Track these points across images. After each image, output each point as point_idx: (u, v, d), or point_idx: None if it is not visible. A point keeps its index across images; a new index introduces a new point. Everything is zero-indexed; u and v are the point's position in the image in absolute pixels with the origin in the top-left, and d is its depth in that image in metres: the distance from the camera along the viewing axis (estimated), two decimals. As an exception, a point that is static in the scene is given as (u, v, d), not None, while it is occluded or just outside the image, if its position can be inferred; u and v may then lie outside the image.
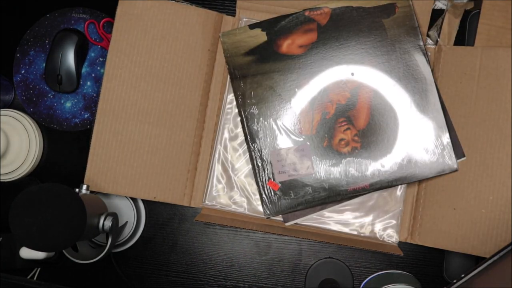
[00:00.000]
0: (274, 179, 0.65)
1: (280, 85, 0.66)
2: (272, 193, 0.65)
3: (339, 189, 0.64)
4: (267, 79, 0.66)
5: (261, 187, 0.66)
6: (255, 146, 0.66)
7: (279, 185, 0.65)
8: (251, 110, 0.66)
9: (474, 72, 0.63)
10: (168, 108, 0.67)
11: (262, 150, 0.66)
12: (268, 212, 0.66)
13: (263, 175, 0.65)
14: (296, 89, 0.65)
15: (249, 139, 0.66)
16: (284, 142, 0.65)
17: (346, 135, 0.64)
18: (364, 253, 0.71)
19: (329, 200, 0.65)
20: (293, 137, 0.65)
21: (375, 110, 0.64)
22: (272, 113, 0.66)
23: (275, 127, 0.66)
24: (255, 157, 0.66)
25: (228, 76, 0.68)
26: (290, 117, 0.66)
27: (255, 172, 0.66)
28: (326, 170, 0.65)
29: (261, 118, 0.66)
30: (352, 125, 0.64)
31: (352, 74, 0.65)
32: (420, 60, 0.64)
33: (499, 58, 0.62)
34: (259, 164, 0.66)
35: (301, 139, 0.65)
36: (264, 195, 0.65)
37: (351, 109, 0.65)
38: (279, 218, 0.68)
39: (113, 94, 0.65)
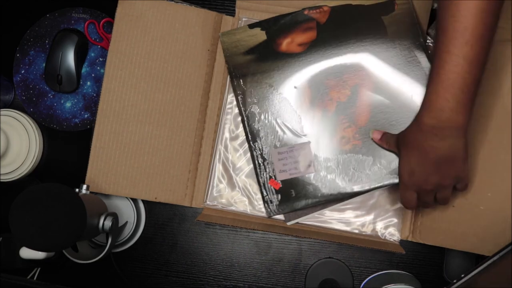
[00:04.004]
0: (275, 178, 0.65)
1: (280, 83, 0.66)
2: (273, 192, 0.65)
3: (340, 187, 0.64)
4: (267, 77, 0.66)
5: (262, 186, 0.65)
6: (256, 145, 0.66)
7: (280, 184, 0.65)
8: (251, 109, 0.66)
9: None
10: (169, 109, 0.66)
11: (263, 149, 0.65)
12: (269, 211, 0.65)
13: (264, 174, 0.65)
14: (296, 87, 0.65)
15: (250, 138, 0.66)
16: (285, 140, 0.65)
17: (347, 133, 0.64)
18: (364, 253, 0.71)
19: (331, 199, 0.65)
20: (294, 135, 0.65)
21: (375, 107, 0.64)
22: (272, 112, 0.66)
23: (276, 125, 0.66)
24: (256, 156, 0.66)
25: (228, 76, 0.68)
26: (290, 115, 0.65)
27: (256, 171, 0.66)
28: (327, 168, 0.64)
29: (261, 117, 0.66)
30: (353, 123, 0.64)
31: (352, 71, 0.65)
32: (420, 56, 0.64)
33: (497, 54, 0.61)
34: (260, 163, 0.65)
35: (302, 138, 0.65)
36: (265, 194, 0.65)
37: (351, 106, 0.65)
38: (281, 217, 0.68)
39: (113, 95, 0.65)
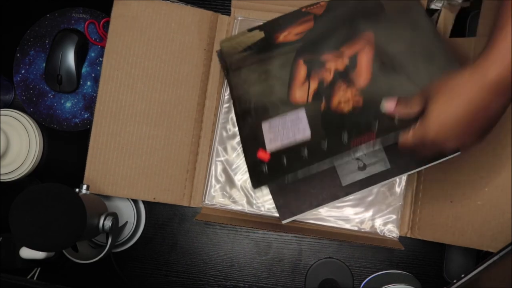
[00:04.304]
0: (265, 149, 0.58)
1: (276, 67, 0.62)
2: (262, 163, 0.57)
3: (339, 146, 0.55)
4: (263, 65, 0.63)
5: (249, 157, 0.58)
6: (246, 122, 0.60)
7: (270, 154, 0.57)
8: (244, 92, 0.62)
9: (468, 62, 0.62)
10: (166, 109, 0.66)
11: (253, 124, 0.60)
12: (257, 183, 0.57)
13: (252, 146, 0.58)
14: (292, 68, 0.62)
15: (240, 117, 0.61)
16: (277, 112, 0.60)
17: (346, 95, 0.58)
18: (364, 253, 0.71)
19: (328, 161, 0.56)
20: (287, 107, 0.60)
21: (376, 68, 0.59)
22: (265, 91, 0.61)
23: (269, 102, 0.61)
24: (245, 132, 0.60)
25: (224, 71, 0.67)
26: (284, 90, 0.61)
27: (244, 144, 0.60)
28: (323, 130, 0.57)
29: (254, 98, 0.61)
30: (352, 85, 0.58)
31: (350, 43, 0.61)
32: (423, 21, 0.59)
33: None
34: (249, 138, 0.59)
35: (296, 108, 0.59)
36: (252, 166, 0.58)
37: (350, 72, 0.59)
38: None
39: (110, 95, 0.65)
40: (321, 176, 0.66)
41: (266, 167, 0.57)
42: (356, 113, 0.56)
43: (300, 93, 0.60)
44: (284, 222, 0.66)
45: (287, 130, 0.58)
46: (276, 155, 0.57)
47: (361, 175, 0.65)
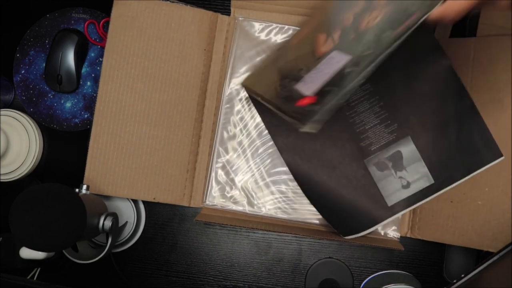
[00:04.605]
0: (304, 97, 0.52)
1: (296, 48, 0.59)
2: (305, 107, 0.52)
3: (380, 43, 0.48)
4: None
5: (289, 110, 0.53)
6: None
7: (314, 96, 0.51)
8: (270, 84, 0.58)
9: (468, 63, 0.63)
10: (166, 109, 0.66)
11: (289, 92, 0.55)
12: (304, 122, 0.50)
13: (289, 104, 0.53)
14: (313, 40, 0.57)
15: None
16: (308, 71, 0.54)
17: (372, 15, 0.51)
18: (364, 253, 0.71)
19: (372, 57, 0.49)
20: (316, 62, 0.54)
21: None
22: (295, 67, 0.56)
23: (298, 72, 0.56)
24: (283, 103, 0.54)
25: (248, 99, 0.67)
26: (310, 54, 0.56)
27: (280, 107, 0.54)
28: (359, 46, 0.50)
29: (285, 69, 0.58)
30: (376, 7, 0.51)
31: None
32: None
33: (491, 48, 0.61)
34: (286, 98, 0.54)
35: (326, 55, 0.53)
36: (293, 114, 0.51)
37: (371, 5, 0.52)
38: (282, 215, 0.67)
39: (110, 96, 0.65)
40: (365, 199, 0.63)
41: (311, 105, 0.51)
42: (389, 16, 0.49)
43: (325, 47, 0.54)
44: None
45: (323, 71, 0.52)
46: (321, 91, 0.51)
47: (406, 193, 0.62)
